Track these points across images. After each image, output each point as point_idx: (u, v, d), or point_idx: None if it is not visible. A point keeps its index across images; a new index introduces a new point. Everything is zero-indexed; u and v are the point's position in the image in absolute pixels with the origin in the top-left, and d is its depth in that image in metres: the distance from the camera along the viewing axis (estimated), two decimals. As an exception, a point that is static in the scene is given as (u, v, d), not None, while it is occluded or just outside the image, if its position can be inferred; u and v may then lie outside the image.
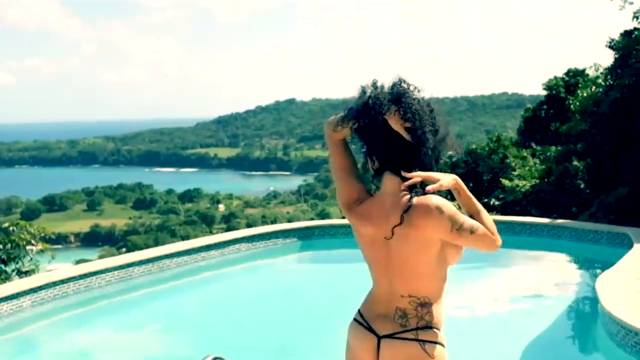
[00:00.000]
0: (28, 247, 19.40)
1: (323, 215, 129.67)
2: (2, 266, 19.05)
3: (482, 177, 32.55)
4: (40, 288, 13.54)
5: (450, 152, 4.20)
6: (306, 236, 20.18)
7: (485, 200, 29.16)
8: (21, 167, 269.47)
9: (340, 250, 19.91)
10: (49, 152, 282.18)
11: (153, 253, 16.61)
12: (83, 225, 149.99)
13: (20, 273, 19.19)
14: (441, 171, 4.08)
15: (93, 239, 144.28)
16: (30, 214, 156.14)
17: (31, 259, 19.35)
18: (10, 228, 20.07)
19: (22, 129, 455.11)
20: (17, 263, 19.17)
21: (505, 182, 28.61)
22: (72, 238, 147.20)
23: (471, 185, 31.21)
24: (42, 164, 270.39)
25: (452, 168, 31.73)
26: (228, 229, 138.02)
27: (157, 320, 14.04)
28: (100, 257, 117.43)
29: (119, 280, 15.22)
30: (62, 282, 14.03)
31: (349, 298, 15.00)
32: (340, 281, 16.75)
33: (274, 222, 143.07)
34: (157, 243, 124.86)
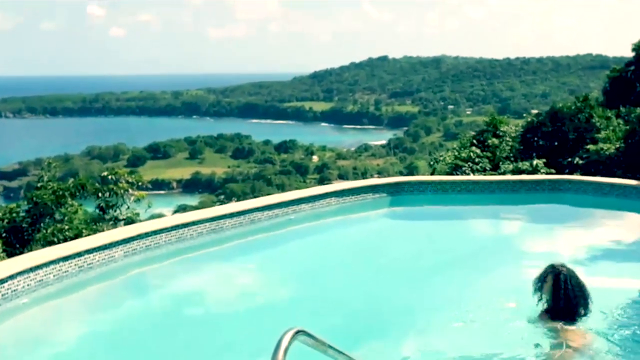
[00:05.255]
0: (126, 196, 19.19)
1: (411, 168, 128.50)
2: (101, 214, 18.90)
3: (568, 136, 31.09)
4: (133, 239, 13.10)
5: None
6: (395, 192, 19.42)
7: (570, 159, 27.98)
8: (128, 117, 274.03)
9: (429, 207, 19.15)
10: (155, 103, 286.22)
11: (244, 206, 16.05)
12: (184, 172, 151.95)
13: (118, 221, 19.03)
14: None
15: (193, 186, 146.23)
16: (135, 161, 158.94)
17: (128, 207, 19.16)
18: (109, 177, 19.86)
19: (131, 80, 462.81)
20: (115, 211, 19.01)
21: (590, 146, 27.41)
22: (174, 184, 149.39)
23: (556, 144, 29.88)
24: (148, 114, 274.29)
25: (538, 126, 30.51)
26: (321, 180, 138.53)
27: (246, 273, 13.53)
28: (200, 203, 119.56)
29: (210, 231, 14.71)
30: (154, 233, 13.56)
31: (436, 255, 14.27)
32: (428, 238, 16.02)
33: (364, 173, 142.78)
34: (253, 191, 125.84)
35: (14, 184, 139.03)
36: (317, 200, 17.61)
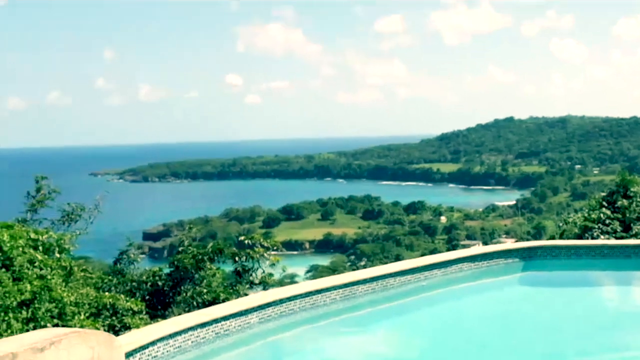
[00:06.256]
0: (261, 260, 19.13)
1: (539, 228, 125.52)
2: (238, 277, 18.90)
3: None
4: (267, 305, 12.91)
5: None
6: (528, 257, 18.64)
7: None
8: (264, 180, 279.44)
9: (563, 272, 18.28)
10: (288, 166, 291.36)
11: (377, 272, 15.67)
12: (317, 233, 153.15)
13: (254, 284, 18.96)
14: None
15: (325, 246, 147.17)
16: (270, 222, 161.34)
17: (263, 271, 19.09)
18: (246, 241, 19.89)
19: (266, 144, 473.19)
20: (251, 275, 18.97)
21: None
22: (307, 245, 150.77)
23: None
24: (282, 177, 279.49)
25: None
26: (449, 240, 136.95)
27: (379, 341, 13.12)
28: (332, 263, 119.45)
29: (343, 298, 14.38)
30: (289, 299, 13.34)
31: (574, 324, 13.45)
32: (562, 306, 15.22)
33: (492, 234, 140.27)
34: (383, 251, 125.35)
35: (159, 244, 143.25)
36: (449, 266, 17.07)
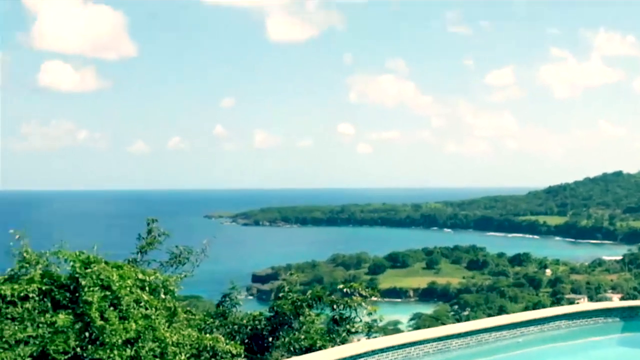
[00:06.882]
0: (359, 309, 18.97)
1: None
2: (335, 326, 18.76)
3: None
4: (360, 355, 12.77)
5: None
6: (629, 316, 17.84)
7: None
8: (371, 227, 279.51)
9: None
10: (396, 214, 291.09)
11: (472, 326, 15.32)
12: (421, 281, 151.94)
13: (351, 333, 18.79)
14: None
15: (429, 295, 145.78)
16: (376, 269, 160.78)
17: (360, 320, 18.90)
18: (344, 290, 19.76)
19: (374, 192, 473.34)
20: (349, 323, 18.80)
21: None
22: (410, 293, 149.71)
23: None
24: (389, 225, 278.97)
25: None
26: (553, 293, 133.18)
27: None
28: (435, 312, 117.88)
29: (436, 351, 14.09)
30: (382, 350, 13.16)
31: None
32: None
33: (597, 289, 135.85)
34: (486, 302, 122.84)
35: (267, 286, 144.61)
36: (547, 323, 16.51)
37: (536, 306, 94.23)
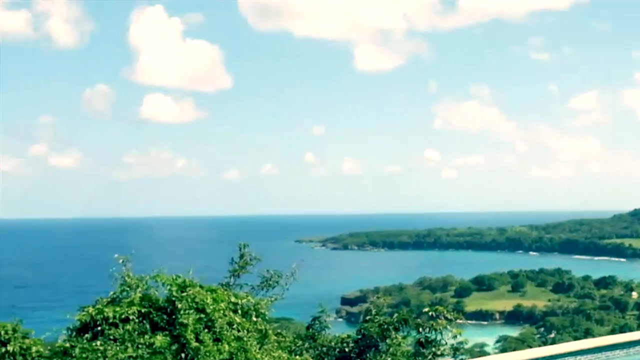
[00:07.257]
0: (444, 332, 18.88)
1: None
2: (420, 348, 18.70)
3: None
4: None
5: None
6: None
7: None
8: (457, 251, 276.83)
9: None
10: (481, 238, 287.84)
11: (555, 350, 15.09)
12: (507, 304, 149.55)
13: (436, 356, 18.69)
14: None
15: (515, 317, 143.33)
16: (462, 292, 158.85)
17: (446, 343, 18.79)
18: (430, 313, 19.69)
19: (459, 217, 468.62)
20: (434, 346, 18.72)
21: None
22: (497, 315, 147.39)
23: None
24: (474, 248, 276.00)
25: None
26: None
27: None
28: (521, 334, 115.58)
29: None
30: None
31: None
32: None
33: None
34: (572, 325, 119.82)
35: (355, 309, 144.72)
36: (633, 347, 16.12)
37: (622, 329, 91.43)
